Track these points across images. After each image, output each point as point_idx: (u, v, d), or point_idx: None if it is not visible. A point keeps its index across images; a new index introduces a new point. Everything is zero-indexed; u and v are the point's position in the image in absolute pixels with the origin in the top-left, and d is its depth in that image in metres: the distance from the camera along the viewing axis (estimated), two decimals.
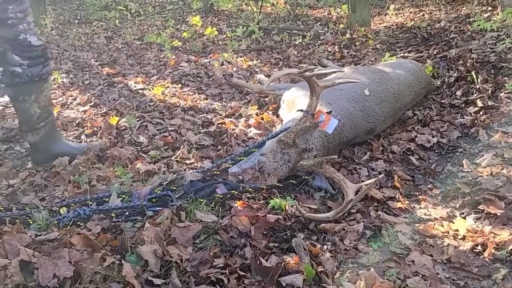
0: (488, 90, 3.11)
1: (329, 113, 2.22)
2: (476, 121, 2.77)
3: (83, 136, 2.77)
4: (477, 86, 3.23)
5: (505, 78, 3.27)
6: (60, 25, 6.95)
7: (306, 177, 2.17)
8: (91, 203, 1.90)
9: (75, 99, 3.58)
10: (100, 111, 3.25)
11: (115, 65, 4.74)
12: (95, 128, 2.85)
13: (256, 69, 4.45)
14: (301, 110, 2.19)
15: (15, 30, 2.09)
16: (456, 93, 3.27)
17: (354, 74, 2.91)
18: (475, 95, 3.15)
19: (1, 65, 2.12)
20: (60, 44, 5.60)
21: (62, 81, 4.06)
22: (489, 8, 5.82)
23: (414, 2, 7.74)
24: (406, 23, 6.13)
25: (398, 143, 2.69)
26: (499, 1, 5.09)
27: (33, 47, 2.15)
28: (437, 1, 7.38)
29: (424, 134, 2.75)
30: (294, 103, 2.73)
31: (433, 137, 2.70)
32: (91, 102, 3.47)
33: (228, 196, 1.96)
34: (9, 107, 3.30)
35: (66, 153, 2.36)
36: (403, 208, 2.01)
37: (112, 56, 5.13)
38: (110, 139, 2.67)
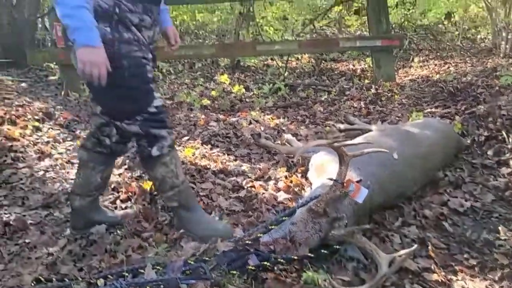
0: None
1: (359, 181, 2.24)
2: (510, 183, 2.72)
3: (118, 202, 2.87)
4: (509, 146, 3.19)
5: None
6: None
7: (337, 246, 2.16)
8: (127, 274, 1.95)
9: None
10: (134, 174, 3.37)
11: None
12: (130, 193, 2.95)
13: (283, 128, 4.54)
14: (331, 179, 2.22)
15: None
16: (488, 153, 3.24)
17: (382, 137, 2.95)
18: (508, 155, 3.11)
19: (94, 132, 2.24)
20: None
21: None
22: None
23: (438, 54, 7.85)
24: (432, 76, 6.19)
25: (430, 206, 2.66)
26: None
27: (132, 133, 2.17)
28: (461, 52, 7.47)
29: (456, 197, 2.71)
30: (323, 166, 2.77)
31: (466, 200, 2.66)
32: (125, 164, 3.60)
33: (260, 268, 1.97)
34: (49, 171, 3.47)
35: (103, 221, 2.45)
36: (440, 280, 1.96)
37: None
38: (144, 205, 2.75)
